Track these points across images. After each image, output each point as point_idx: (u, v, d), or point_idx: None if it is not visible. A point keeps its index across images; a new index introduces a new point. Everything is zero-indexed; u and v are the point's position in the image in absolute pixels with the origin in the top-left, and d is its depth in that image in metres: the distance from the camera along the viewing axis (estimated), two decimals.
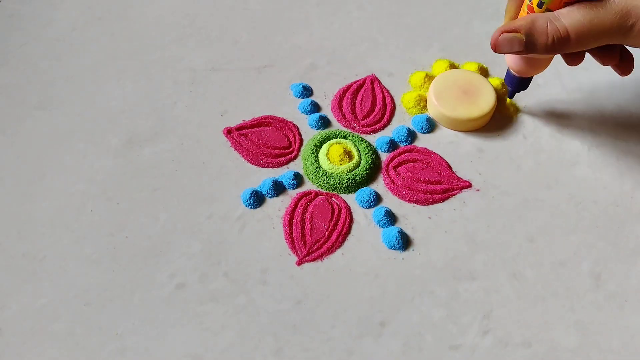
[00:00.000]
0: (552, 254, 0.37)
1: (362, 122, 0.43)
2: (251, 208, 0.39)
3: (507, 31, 0.34)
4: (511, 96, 0.42)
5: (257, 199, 0.39)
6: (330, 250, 0.37)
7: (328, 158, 0.40)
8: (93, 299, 0.35)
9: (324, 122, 0.43)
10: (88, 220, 0.38)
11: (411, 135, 0.43)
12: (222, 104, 0.44)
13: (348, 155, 0.41)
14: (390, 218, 0.38)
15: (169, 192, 0.39)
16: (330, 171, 0.40)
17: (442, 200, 0.40)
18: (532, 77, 0.40)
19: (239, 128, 0.43)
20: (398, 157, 0.41)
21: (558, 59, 0.39)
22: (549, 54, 0.34)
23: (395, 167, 0.41)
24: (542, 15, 0.33)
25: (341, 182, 0.40)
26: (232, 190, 0.40)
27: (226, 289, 0.35)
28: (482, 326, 0.34)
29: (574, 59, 0.37)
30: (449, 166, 0.41)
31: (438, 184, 0.40)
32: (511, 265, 0.37)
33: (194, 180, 0.40)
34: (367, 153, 0.41)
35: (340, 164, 0.40)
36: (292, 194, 0.40)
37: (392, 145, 0.42)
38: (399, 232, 0.37)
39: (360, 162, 0.41)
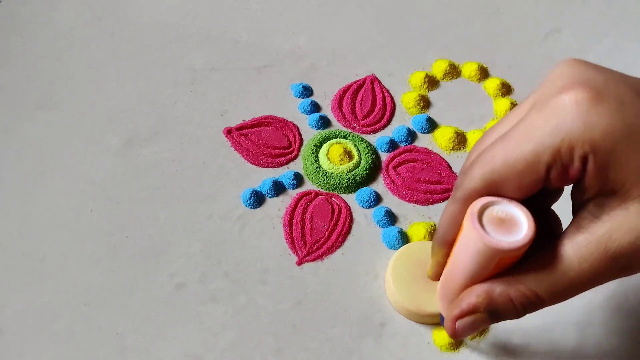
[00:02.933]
0: None
1: (362, 122, 0.43)
2: (251, 208, 0.39)
3: (464, 315, 0.27)
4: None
5: (257, 199, 0.39)
6: (330, 250, 0.37)
7: (328, 158, 0.40)
8: (93, 299, 0.35)
9: (324, 122, 0.43)
10: (88, 220, 0.38)
11: (411, 135, 0.43)
12: (222, 104, 0.44)
13: (348, 155, 0.41)
14: (390, 218, 0.38)
15: (169, 192, 0.39)
16: (330, 171, 0.40)
17: (442, 200, 0.40)
18: None
19: (239, 128, 0.43)
20: (398, 157, 0.41)
21: None
22: (518, 318, 0.27)
23: (395, 167, 0.41)
24: (494, 283, 0.26)
25: (341, 182, 0.40)
26: (232, 190, 0.40)
27: (226, 289, 0.35)
28: None
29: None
30: (449, 166, 0.41)
31: (438, 184, 0.40)
32: None
33: (194, 180, 0.40)
34: (367, 153, 0.41)
35: (340, 164, 0.40)
36: (292, 194, 0.40)
37: (392, 145, 0.42)
38: (399, 232, 0.37)
39: (360, 162, 0.41)
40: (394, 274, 0.34)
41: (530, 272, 0.25)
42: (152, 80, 0.45)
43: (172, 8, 0.51)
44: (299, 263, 0.37)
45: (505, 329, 0.34)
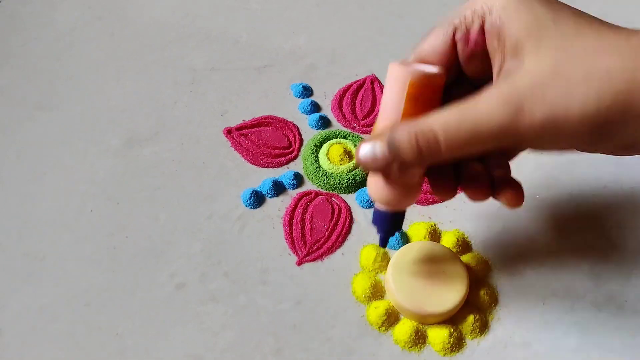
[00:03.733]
0: (552, 254, 0.37)
1: (362, 122, 0.43)
2: (251, 208, 0.39)
3: (366, 143, 0.27)
4: (384, 243, 0.32)
5: (257, 199, 0.39)
6: (330, 250, 0.37)
7: (328, 158, 0.40)
8: (93, 299, 0.35)
9: (324, 122, 0.43)
10: (88, 220, 0.38)
11: None
12: (222, 104, 0.44)
13: (348, 155, 0.41)
14: None
15: (169, 192, 0.39)
16: (330, 171, 0.40)
17: (442, 200, 0.40)
18: (404, 212, 0.31)
19: (239, 128, 0.43)
20: None
21: None
22: (418, 164, 0.27)
23: None
24: (403, 123, 0.26)
25: (341, 182, 0.40)
26: (232, 190, 0.40)
27: (226, 289, 0.35)
28: (482, 326, 0.34)
29: (444, 192, 0.30)
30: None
31: None
32: (511, 265, 0.37)
33: (194, 180, 0.40)
34: None
35: (340, 164, 0.40)
36: (292, 194, 0.40)
37: None
38: (399, 232, 0.37)
39: None
40: (394, 274, 0.34)
41: (440, 114, 0.25)
42: (152, 80, 0.45)
43: (172, 8, 0.51)
44: (299, 263, 0.37)
45: (505, 329, 0.34)
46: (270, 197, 0.39)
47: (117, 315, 0.34)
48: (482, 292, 0.35)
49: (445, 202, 0.39)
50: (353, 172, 0.40)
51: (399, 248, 0.37)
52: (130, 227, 0.38)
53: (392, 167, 0.27)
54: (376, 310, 0.34)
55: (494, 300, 0.35)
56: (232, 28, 0.49)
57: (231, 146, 0.42)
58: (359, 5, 0.52)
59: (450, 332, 0.34)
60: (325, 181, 0.40)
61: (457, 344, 0.34)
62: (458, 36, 0.27)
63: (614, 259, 0.37)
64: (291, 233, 0.38)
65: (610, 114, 0.24)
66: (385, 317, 0.34)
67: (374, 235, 0.38)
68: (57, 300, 0.35)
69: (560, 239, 0.38)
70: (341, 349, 0.33)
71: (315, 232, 0.38)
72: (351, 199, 0.40)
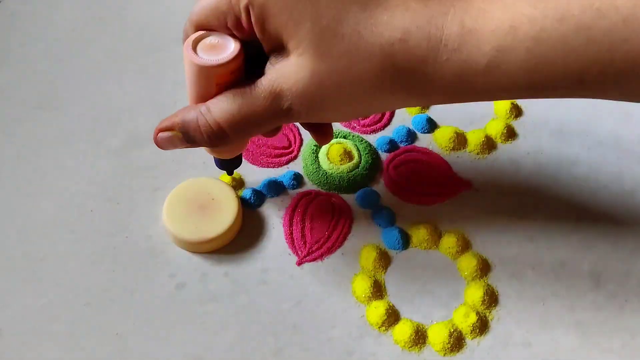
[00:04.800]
0: (552, 254, 0.37)
1: (362, 122, 0.43)
2: (251, 208, 0.39)
3: (163, 129, 0.30)
4: (231, 173, 0.38)
5: (257, 199, 0.39)
6: (330, 250, 0.37)
7: (328, 158, 0.40)
8: (93, 299, 0.35)
9: None
10: (88, 220, 0.38)
11: (411, 135, 0.43)
12: None
13: (348, 155, 0.41)
14: (390, 218, 0.38)
15: (169, 192, 0.39)
16: (330, 171, 0.40)
17: (442, 200, 0.40)
18: (239, 156, 0.35)
19: None
20: (398, 157, 0.41)
21: None
22: (214, 147, 0.31)
23: (395, 167, 0.41)
24: (193, 108, 0.29)
25: (341, 182, 0.40)
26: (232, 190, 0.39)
27: (226, 289, 0.35)
28: (483, 326, 0.34)
29: (320, 137, 0.34)
30: (449, 166, 0.41)
31: (438, 184, 0.40)
32: (511, 265, 0.37)
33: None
34: (367, 153, 0.41)
35: (341, 164, 0.40)
36: (292, 194, 0.40)
37: (392, 145, 0.42)
38: (399, 232, 0.37)
39: (360, 162, 0.41)
40: (168, 210, 0.36)
41: (222, 101, 0.28)
42: (152, 80, 0.45)
43: (172, 8, 0.51)
44: (299, 263, 0.37)
45: (505, 329, 0.34)
46: (270, 197, 0.39)
47: (117, 315, 0.34)
48: (482, 292, 0.35)
49: (445, 202, 0.39)
50: (353, 172, 0.40)
51: (399, 248, 0.37)
52: (130, 227, 0.38)
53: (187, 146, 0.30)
54: (376, 310, 0.34)
55: (494, 300, 0.35)
56: None
57: None
58: None
59: (450, 332, 0.34)
60: (325, 181, 0.40)
61: (457, 344, 0.34)
62: (230, 24, 0.27)
63: (614, 259, 0.37)
64: (291, 233, 0.38)
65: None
66: (385, 317, 0.34)
67: (374, 235, 0.38)
68: (57, 300, 0.35)
69: (560, 238, 0.38)
70: (341, 349, 0.33)
71: (315, 232, 0.38)
72: (351, 199, 0.40)
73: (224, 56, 0.27)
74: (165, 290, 0.35)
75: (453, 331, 0.34)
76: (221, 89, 0.28)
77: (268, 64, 0.27)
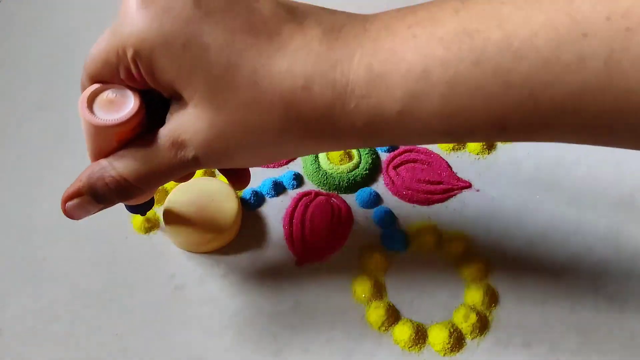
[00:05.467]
0: (552, 254, 0.37)
1: None
2: (251, 208, 0.39)
3: (70, 197, 0.28)
4: (143, 214, 0.34)
5: (257, 199, 0.39)
6: (331, 250, 0.37)
7: (328, 158, 0.40)
8: (93, 299, 0.35)
9: None
10: (88, 221, 0.38)
11: None
12: None
13: (348, 155, 0.41)
14: (390, 218, 0.38)
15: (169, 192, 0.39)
16: (330, 171, 0.40)
17: (442, 200, 0.40)
18: (150, 200, 0.33)
19: None
20: (398, 157, 0.41)
21: None
22: (127, 202, 0.30)
23: (395, 167, 0.41)
24: (96, 165, 0.27)
25: (341, 182, 0.40)
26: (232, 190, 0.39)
27: (226, 289, 0.35)
28: (483, 326, 0.34)
29: (235, 182, 0.33)
30: (449, 166, 0.41)
31: (438, 184, 0.40)
32: (511, 265, 0.37)
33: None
34: (367, 153, 0.41)
35: (340, 164, 0.40)
36: (292, 194, 0.40)
37: (392, 145, 0.42)
38: (399, 232, 0.37)
39: (360, 162, 0.41)
40: (168, 213, 0.36)
41: (126, 156, 0.26)
42: None
43: None
44: (299, 263, 0.37)
45: (505, 329, 0.34)
46: (270, 197, 0.39)
47: (117, 316, 0.34)
48: (482, 292, 0.35)
49: (445, 203, 0.39)
50: (353, 172, 0.40)
51: (399, 248, 0.37)
52: (130, 228, 0.38)
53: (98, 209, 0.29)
54: (376, 310, 0.34)
55: (494, 300, 0.35)
56: None
57: None
58: (358, 6, 0.52)
59: (450, 332, 0.34)
60: (325, 181, 0.40)
61: (457, 344, 0.34)
62: (122, 75, 0.25)
63: (614, 260, 0.37)
64: (291, 233, 0.38)
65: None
66: (385, 318, 0.34)
67: (375, 235, 0.38)
68: (57, 301, 0.35)
69: (560, 239, 0.38)
70: (341, 349, 0.33)
71: (315, 232, 0.38)
72: (351, 199, 0.40)
73: (123, 114, 0.25)
74: (165, 290, 0.35)
75: (453, 331, 0.34)
76: (122, 145, 0.27)
77: (168, 113, 0.25)
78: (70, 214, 0.29)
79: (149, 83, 0.25)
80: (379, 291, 0.35)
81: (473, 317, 0.34)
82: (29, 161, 0.41)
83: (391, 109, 0.22)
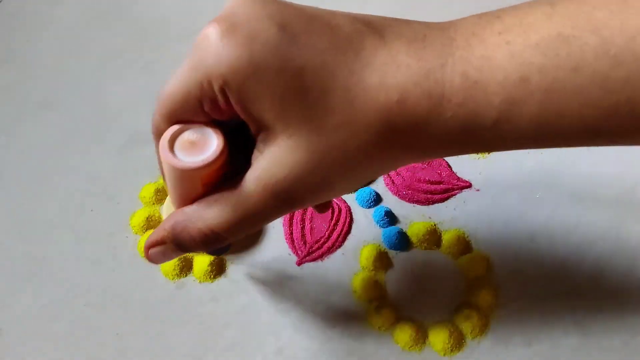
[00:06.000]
0: (552, 253, 0.37)
1: None
2: None
3: (154, 245, 0.27)
4: (219, 254, 0.36)
5: None
6: (330, 250, 0.37)
7: None
8: (93, 299, 0.35)
9: None
10: (88, 220, 0.38)
11: None
12: None
13: None
14: (390, 218, 0.38)
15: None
16: None
17: (442, 200, 0.40)
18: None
19: None
20: None
21: None
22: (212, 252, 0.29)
23: None
24: (181, 215, 0.26)
25: None
26: None
27: (226, 289, 0.35)
28: (482, 326, 0.34)
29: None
30: (449, 166, 0.41)
31: (438, 184, 0.40)
32: (511, 265, 0.37)
33: None
34: None
35: None
36: None
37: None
38: (398, 232, 0.37)
39: None
40: (168, 211, 0.35)
41: (213, 205, 0.25)
42: (153, 79, 0.45)
43: (173, 7, 0.51)
44: (299, 263, 0.37)
45: (505, 329, 0.34)
46: None
47: (117, 315, 0.34)
48: (482, 292, 0.35)
49: (446, 202, 0.39)
50: None
51: (399, 248, 0.37)
52: (130, 227, 0.38)
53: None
54: (376, 310, 0.34)
55: (494, 300, 0.35)
56: None
57: None
58: (359, 6, 0.52)
59: (450, 331, 0.34)
60: None
61: (457, 344, 0.34)
62: (207, 108, 0.24)
63: (614, 259, 0.37)
64: (291, 233, 0.38)
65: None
66: (385, 317, 0.34)
67: (374, 235, 0.38)
68: (57, 300, 0.35)
69: (560, 238, 0.38)
70: (341, 349, 0.33)
71: (315, 232, 0.38)
72: (351, 199, 0.40)
73: (208, 155, 0.24)
74: (165, 290, 0.35)
75: (453, 331, 0.34)
76: (208, 188, 0.25)
77: (255, 151, 0.24)
78: (152, 259, 0.28)
79: (240, 114, 0.23)
80: (379, 291, 0.35)
81: (473, 317, 0.34)
82: (30, 160, 0.41)
83: (488, 117, 0.22)
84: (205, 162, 0.24)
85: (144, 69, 0.46)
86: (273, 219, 0.25)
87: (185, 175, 0.24)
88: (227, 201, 0.24)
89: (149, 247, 0.27)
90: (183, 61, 0.24)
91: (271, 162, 0.23)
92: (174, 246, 0.26)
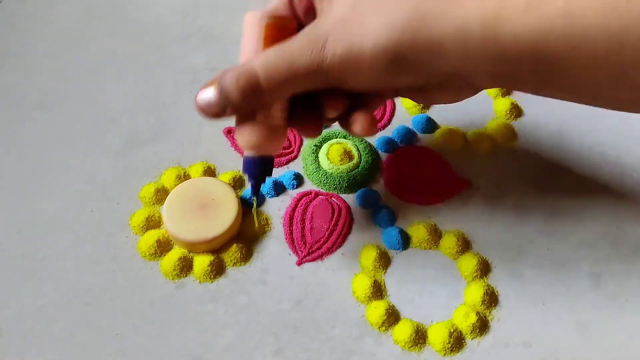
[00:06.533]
0: (552, 254, 0.37)
1: None
2: (251, 208, 0.39)
3: (204, 87, 0.28)
4: (255, 191, 0.33)
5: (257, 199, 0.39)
6: (331, 250, 0.37)
7: (328, 158, 0.40)
8: (93, 299, 0.35)
9: None
10: (88, 220, 0.38)
11: (411, 135, 0.43)
12: None
13: (348, 155, 0.41)
14: (390, 218, 0.38)
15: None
16: (330, 171, 0.40)
17: (442, 200, 0.40)
18: (272, 159, 0.32)
19: None
20: (398, 157, 0.41)
21: None
22: (247, 106, 0.28)
23: (395, 167, 0.41)
24: (238, 65, 0.27)
25: (341, 182, 0.40)
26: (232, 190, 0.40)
27: (226, 289, 0.35)
28: (482, 326, 0.34)
29: (306, 131, 0.31)
30: (449, 166, 0.41)
31: (438, 184, 0.40)
32: (511, 265, 0.37)
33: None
34: (367, 153, 0.41)
35: (341, 164, 0.40)
36: (292, 194, 0.40)
37: (392, 145, 0.42)
38: (399, 232, 0.37)
39: (360, 162, 0.41)
40: (168, 207, 0.37)
41: (261, 54, 0.27)
42: (153, 80, 0.45)
43: (172, 8, 0.51)
44: (299, 263, 0.37)
45: (505, 329, 0.34)
46: (270, 197, 0.39)
47: (117, 315, 0.34)
48: (482, 292, 0.35)
49: (445, 202, 0.39)
50: (353, 172, 0.40)
51: (399, 248, 0.37)
52: (130, 227, 0.38)
53: (226, 111, 0.28)
54: (376, 310, 0.34)
55: (494, 300, 0.35)
56: (232, 28, 0.49)
57: (231, 146, 0.42)
58: None
59: (450, 332, 0.34)
60: (325, 181, 0.40)
61: (457, 344, 0.34)
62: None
63: (614, 259, 0.37)
64: (291, 233, 0.38)
65: (399, 46, 0.25)
66: (385, 317, 0.34)
67: (374, 235, 0.38)
68: (57, 300, 0.35)
69: (560, 238, 0.38)
70: (341, 349, 0.33)
71: (315, 232, 0.38)
72: (351, 199, 0.40)
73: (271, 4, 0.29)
74: (165, 290, 0.35)
75: (453, 331, 0.34)
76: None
77: (313, 11, 0.28)
78: (199, 106, 0.28)
79: None
80: (378, 291, 0.35)
81: (473, 317, 0.34)
82: (29, 161, 0.41)
83: (555, 15, 0.23)
84: (281, 14, 0.29)
85: (142, 71, 0.46)
86: (308, 75, 0.26)
87: (250, 27, 0.29)
88: (274, 50, 0.27)
89: (201, 89, 0.28)
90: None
91: (323, 15, 0.26)
92: (218, 93, 0.27)
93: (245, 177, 0.36)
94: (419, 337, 0.34)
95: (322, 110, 0.30)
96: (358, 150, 0.41)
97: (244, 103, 0.27)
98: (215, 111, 0.28)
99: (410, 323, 0.34)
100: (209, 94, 0.28)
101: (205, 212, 0.36)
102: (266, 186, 0.39)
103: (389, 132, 0.43)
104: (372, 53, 0.25)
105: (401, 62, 0.25)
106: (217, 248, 0.37)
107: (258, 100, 0.27)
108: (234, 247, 0.36)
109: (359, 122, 0.29)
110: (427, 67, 0.26)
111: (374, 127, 0.29)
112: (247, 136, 0.30)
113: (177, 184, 0.38)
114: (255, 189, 0.33)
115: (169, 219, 0.36)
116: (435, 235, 0.38)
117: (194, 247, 0.36)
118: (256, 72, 0.26)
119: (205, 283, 0.36)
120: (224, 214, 0.36)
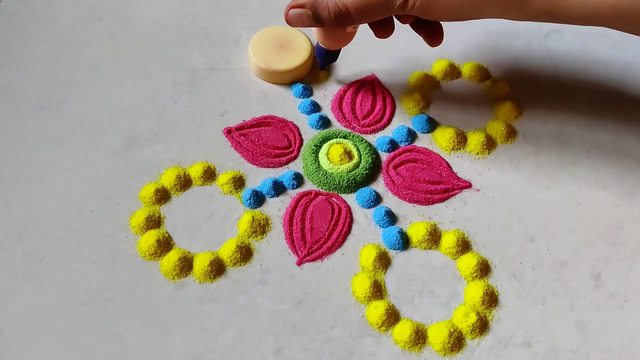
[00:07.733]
0: (552, 254, 0.37)
1: (362, 122, 0.43)
2: (251, 208, 0.39)
3: (295, 7, 0.37)
4: (322, 67, 0.44)
5: (257, 199, 0.39)
6: (330, 250, 0.37)
7: (328, 158, 0.40)
8: (93, 299, 0.35)
9: (324, 122, 0.43)
10: (88, 220, 0.38)
11: (411, 135, 0.43)
12: (222, 104, 0.44)
13: (348, 155, 0.41)
14: (390, 218, 0.38)
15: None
16: (330, 171, 0.40)
17: (442, 200, 0.40)
18: (339, 49, 0.43)
19: (239, 128, 0.43)
20: (398, 157, 0.41)
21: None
22: (336, 27, 0.37)
23: (395, 167, 0.41)
24: None
25: (341, 182, 0.40)
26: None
27: (226, 289, 0.35)
28: (482, 326, 0.34)
29: (381, 32, 0.39)
30: (449, 166, 0.41)
31: (438, 184, 0.40)
32: (511, 265, 0.37)
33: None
34: (367, 153, 0.41)
35: (341, 164, 0.40)
36: (292, 194, 0.40)
37: (392, 145, 0.42)
38: (399, 232, 0.37)
39: (360, 162, 0.41)
40: (255, 48, 0.45)
41: None
42: (152, 80, 0.45)
43: (172, 8, 0.51)
44: (299, 263, 0.37)
45: (505, 329, 0.34)
46: (270, 197, 0.39)
47: (117, 315, 0.34)
48: (482, 292, 0.35)
49: (445, 202, 0.39)
50: (353, 172, 0.40)
51: (399, 248, 0.37)
52: (130, 227, 0.38)
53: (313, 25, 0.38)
54: (376, 310, 0.34)
55: (494, 300, 0.35)
56: (232, 28, 0.49)
57: (231, 146, 0.42)
58: None
59: (450, 332, 0.34)
60: (325, 181, 0.40)
61: (457, 344, 0.34)
62: None
63: (613, 259, 0.37)
64: (291, 233, 0.38)
65: None
66: (385, 317, 0.34)
67: (374, 235, 0.38)
68: (57, 300, 0.35)
69: (560, 238, 0.38)
70: (341, 349, 0.33)
71: (315, 232, 0.38)
72: (351, 199, 0.40)
73: None
74: (165, 290, 0.35)
75: (453, 331, 0.34)
76: None
77: None
78: (289, 19, 0.38)
79: None
80: (378, 291, 0.35)
81: (473, 317, 0.34)
82: (29, 161, 0.41)
83: None
84: None
85: (142, 71, 0.46)
86: (388, 10, 0.35)
87: None
88: None
89: (291, 7, 0.37)
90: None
91: None
92: (311, 12, 0.36)
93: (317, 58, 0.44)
94: (419, 337, 0.34)
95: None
96: (358, 150, 0.41)
97: (335, 26, 0.37)
98: (304, 25, 0.38)
99: (410, 323, 0.34)
100: (302, 17, 0.37)
101: (284, 49, 0.45)
102: (266, 186, 0.39)
103: (389, 132, 0.43)
104: None
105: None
106: (293, 80, 0.45)
107: (345, 24, 0.36)
108: (234, 247, 0.36)
109: (424, 34, 0.39)
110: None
111: (438, 40, 0.40)
112: (323, 37, 0.40)
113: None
114: (322, 66, 0.44)
115: (256, 55, 0.44)
116: (435, 235, 0.38)
117: (277, 77, 0.44)
118: (347, 6, 0.35)
119: (205, 283, 0.36)
120: (300, 51, 0.45)
